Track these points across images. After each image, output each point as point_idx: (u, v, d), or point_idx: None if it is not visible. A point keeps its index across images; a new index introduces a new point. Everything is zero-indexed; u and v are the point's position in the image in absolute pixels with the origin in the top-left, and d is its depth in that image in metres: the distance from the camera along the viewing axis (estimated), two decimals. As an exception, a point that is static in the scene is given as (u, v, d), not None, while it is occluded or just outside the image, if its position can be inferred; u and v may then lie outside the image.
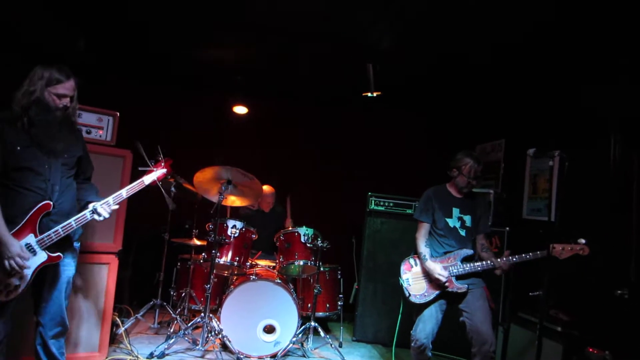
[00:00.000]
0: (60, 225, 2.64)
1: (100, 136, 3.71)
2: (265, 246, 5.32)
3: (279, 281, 4.31)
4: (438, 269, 3.42)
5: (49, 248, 2.64)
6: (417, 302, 3.53)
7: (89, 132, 3.65)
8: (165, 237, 4.81)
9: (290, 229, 4.60)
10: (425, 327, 3.48)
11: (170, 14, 4.12)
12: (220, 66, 5.45)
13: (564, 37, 3.74)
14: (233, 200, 4.54)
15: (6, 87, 2.78)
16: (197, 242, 4.81)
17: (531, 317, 3.84)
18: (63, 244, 2.73)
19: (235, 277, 4.71)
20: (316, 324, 4.47)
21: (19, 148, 2.56)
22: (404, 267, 3.66)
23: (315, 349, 4.61)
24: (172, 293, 4.96)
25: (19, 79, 2.65)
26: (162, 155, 3.16)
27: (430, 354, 3.54)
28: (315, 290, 4.45)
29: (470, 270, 3.42)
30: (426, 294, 3.51)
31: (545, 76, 4.49)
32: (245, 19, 4.10)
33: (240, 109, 6.32)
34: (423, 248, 3.57)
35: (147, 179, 2.98)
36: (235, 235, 4.33)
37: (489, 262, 3.39)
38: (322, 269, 4.70)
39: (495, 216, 4.65)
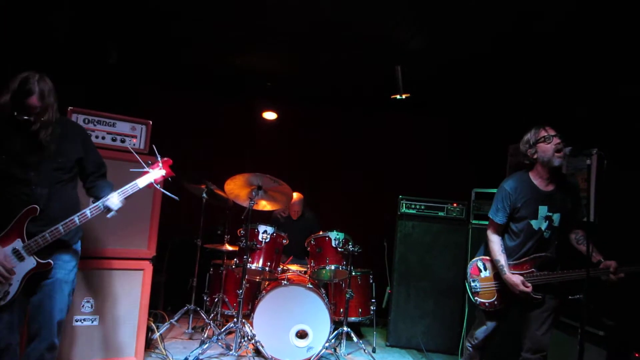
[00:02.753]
0: (48, 231, 2.56)
1: (134, 144, 3.78)
2: (296, 251, 5.33)
3: (311, 286, 4.30)
4: (520, 285, 3.01)
5: (38, 254, 2.58)
6: (486, 311, 3.24)
7: (123, 141, 3.74)
8: (197, 243, 4.86)
9: (321, 233, 4.58)
10: (488, 329, 3.26)
11: (199, 23, 4.19)
12: (249, 73, 5.50)
13: (597, 31, 3.62)
14: (264, 205, 4.56)
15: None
16: (229, 248, 4.84)
17: (572, 321, 3.70)
18: (57, 247, 2.65)
19: (267, 282, 4.72)
20: (349, 329, 4.43)
21: (4, 156, 2.53)
22: (470, 271, 3.32)
23: (348, 354, 4.57)
24: (205, 298, 5.01)
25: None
26: (159, 156, 2.92)
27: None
28: (347, 295, 4.41)
29: (550, 280, 3.04)
30: (496, 303, 3.19)
31: (581, 71, 4.35)
32: (272, 25, 4.13)
33: (270, 115, 6.37)
34: (499, 254, 3.14)
35: (141, 182, 2.80)
36: (267, 240, 4.34)
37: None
38: (353, 273, 4.66)
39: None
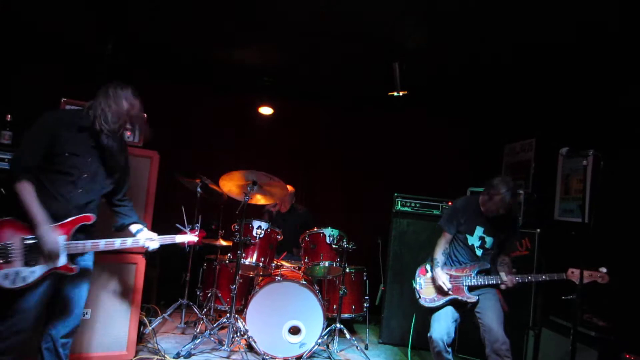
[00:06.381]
0: (91, 241, 2.68)
1: (128, 138, 3.75)
2: (287, 247, 5.29)
3: (304, 282, 4.29)
4: (443, 278, 3.47)
5: (72, 256, 2.61)
6: (427, 306, 3.60)
7: (117, 134, 3.70)
8: (191, 237, 4.83)
9: (315, 229, 4.57)
10: (440, 326, 3.45)
11: (197, 15, 4.16)
12: (246, 67, 5.47)
13: (603, 38, 3.61)
14: (259, 199, 4.54)
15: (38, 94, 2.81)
16: (223, 243, 4.82)
17: (564, 321, 3.72)
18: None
19: (260, 278, 4.71)
20: (342, 326, 4.43)
21: (67, 154, 2.57)
22: (419, 271, 3.73)
23: (341, 350, 4.57)
24: (198, 293, 4.99)
25: (47, 86, 2.67)
26: (199, 225, 3.39)
27: (449, 356, 3.46)
28: (341, 292, 4.41)
29: (481, 284, 3.43)
30: (435, 299, 3.55)
31: (579, 74, 4.35)
32: (269, 18, 4.10)
33: (266, 110, 6.34)
34: (439, 255, 3.60)
35: (179, 238, 3.19)
36: (261, 236, 4.33)
37: (493, 277, 3.40)
38: (347, 270, 4.66)
39: (526, 217, 4.53)
